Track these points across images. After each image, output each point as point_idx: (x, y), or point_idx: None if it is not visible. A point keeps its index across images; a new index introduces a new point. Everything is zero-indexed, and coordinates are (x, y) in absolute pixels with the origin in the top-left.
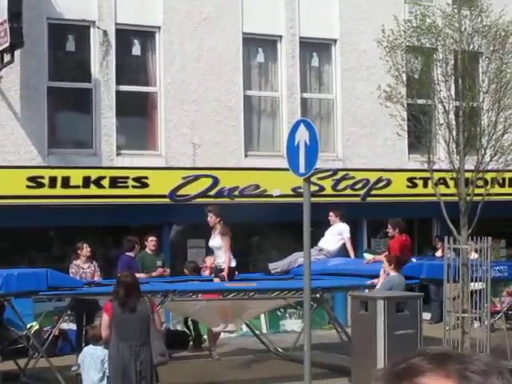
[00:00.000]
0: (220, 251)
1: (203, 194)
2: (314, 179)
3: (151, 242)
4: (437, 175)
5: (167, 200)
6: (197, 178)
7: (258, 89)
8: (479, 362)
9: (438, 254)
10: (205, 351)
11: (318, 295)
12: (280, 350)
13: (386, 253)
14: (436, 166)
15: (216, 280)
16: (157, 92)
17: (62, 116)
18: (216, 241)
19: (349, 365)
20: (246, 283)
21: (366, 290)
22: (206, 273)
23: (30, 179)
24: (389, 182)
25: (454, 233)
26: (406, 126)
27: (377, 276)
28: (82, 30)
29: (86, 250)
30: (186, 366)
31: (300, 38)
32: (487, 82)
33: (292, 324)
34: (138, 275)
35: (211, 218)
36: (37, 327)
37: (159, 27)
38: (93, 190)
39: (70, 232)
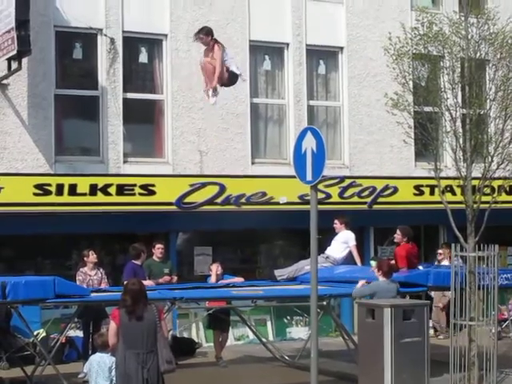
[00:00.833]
0: None
1: (210, 202)
2: (320, 187)
3: (158, 249)
4: (443, 183)
5: (174, 207)
6: (204, 185)
7: (264, 96)
8: None
9: (444, 262)
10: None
11: (324, 303)
12: (286, 358)
13: (393, 261)
14: (443, 174)
15: None
16: (164, 100)
17: (69, 123)
18: None
19: (355, 372)
20: (252, 290)
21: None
22: (212, 280)
23: (37, 187)
24: (395, 190)
25: (461, 240)
26: (412, 133)
27: None
28: (89, 38)
29: (92, 257)
30: (192, 373)
31: (307, 45)
32: (494, 90)
33: (298, 331)
34: (145, 282)
35: None
36: (44, 334)
37: (166, 35)
38: (100, 197)
39: (76, 239)
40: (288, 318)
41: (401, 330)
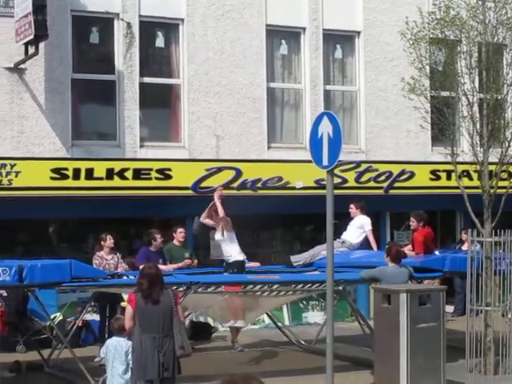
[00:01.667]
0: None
1: (226, 186)
2: (337, 171)
3: (180, 233)
4: (460, 168)
5: (190, 192)
6: (220, 169)
7: (281, 81)
8: None
9: (464, 247)
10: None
11: (340, 288)
12: (302, 343)
13: (410, 246)
14: (459, 159)
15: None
16: (180, 84)
17: (85, 108)
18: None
19: (371, 357)
20: (269, 275)
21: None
22: None
23: (54, 171)
24: (412, 175)
25: (478, 226)
26: (429, 118)
27: None
28: (105, 22)
29: (109, 241)
30: (208, 357)
31: (323, 29)
32: (511, 75)
33: (314, 316)
34: (160, 267)
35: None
36: (60, 318)
37: (183, 19)
38: (116, 181)
39: (93, 223)
40: (304, 302)
41: (417, 315)
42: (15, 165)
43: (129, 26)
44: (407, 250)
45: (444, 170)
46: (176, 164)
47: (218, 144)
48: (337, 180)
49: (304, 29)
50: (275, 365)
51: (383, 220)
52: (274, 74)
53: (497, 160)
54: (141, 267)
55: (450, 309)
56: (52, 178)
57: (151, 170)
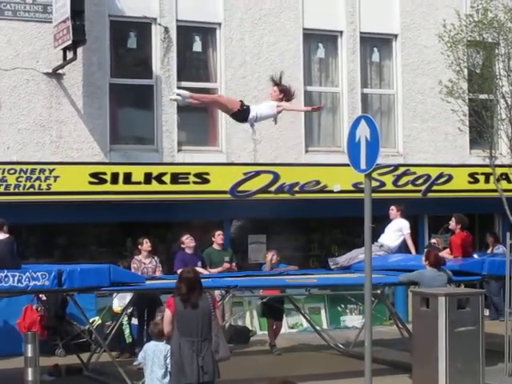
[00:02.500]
0: None
1: (264, 190)
2: (374, 175)
3: (218, 235)
4: (499, 170)
5: (228, 196)
6: (257, 173)
7: (318, 84)
8: None
9: (490, 250)
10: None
11: (378, 291)
12: (341, 346)
13: (448, 249)
14: (498, 162)
15: None
16: (217, 88)
17: (123, 112)
18: None
19: (409, 361)
20: (306, 278)
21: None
22: (267, 268)
23: (93, 175)
24: (450, 178)
25: None
26: (467, 121)
27: None
28: (143, 27)
29: (146, 245)
30: (247, 361)
31: (360, 33)
32: None
33: (353, 320)
34: (199, 270)
35: None
36: (99, 322)
37: (220, 23)
38: (154, 185)
39: (131, 227)
40: (342, 306)
41: (455, 319)
42: (54, 169)
43: (166, 30)
44: (445, 253)
45: (482, 173)
46: (214, 168)
47: (256, 148)
48: (374, 183)
49: (341, 32)
50: (313, 368)
51: (421, 223)
52: (311, 77)
53: None
54: (179, 271)
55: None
56: (90, 183)
57: (189, 174)
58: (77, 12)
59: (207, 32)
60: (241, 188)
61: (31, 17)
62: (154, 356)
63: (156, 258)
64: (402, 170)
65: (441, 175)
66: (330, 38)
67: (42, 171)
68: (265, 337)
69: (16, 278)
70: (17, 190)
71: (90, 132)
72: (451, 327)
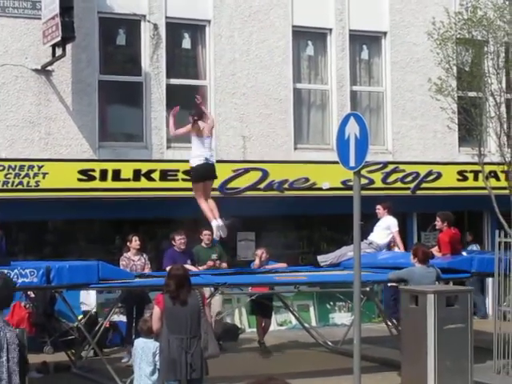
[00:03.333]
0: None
1: (253, 187)
2: (363, 172)
3: (205, 235)
4: (487, 168)
5: (217, 193)
6: (246, 171)
7: (307, 82)
8: None
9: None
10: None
11: (367, 288)
12: (329, 344)
13: (436, 247)
14: (487, 159)
15: None
16: (207, 85)
17: (112, 109)
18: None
19: (399, 359)
20: (295, 276)
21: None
22: (256, 265)
23: (81, 172)
24: (439, 175)
25: (505, 227)
26: (456, 118)
27: None
28: (132, 24)
29: (135, 242)
30: (235, 358)
31: (350, 30)
32: None
33: (341, 317)
34: (188, 267)
35: None
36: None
37: (209, 21)
38: (143, 182)
39: (120, 225)
40: (331, 303)
41: (444, 316)
42: (43, 166)
43: (155, 27)
44: (434, 251)
45: (471, 171)
46: None
47: (245, 145)
48: (363, 181)
49: (330, 30)
50: (302, 366)
51: (410, 221)
52: (300, 74)
53: None
54: (168, 268)
55: None
56: (79, 180)
57: (178, 171)
58: (66, 8)
59: (196, 29)
60: (230, 185)
61: (20, 13)
62: (143, 353)
63: (145, 255)
64: (391, 167)
65: (430, 173)
66: (319, 36)
67: (30, 168)
68: (253, 334)
69: None
70: (5, 187)
71: (79, 129)
72: (440, 325)
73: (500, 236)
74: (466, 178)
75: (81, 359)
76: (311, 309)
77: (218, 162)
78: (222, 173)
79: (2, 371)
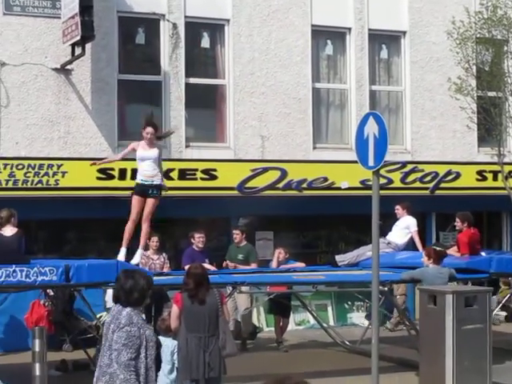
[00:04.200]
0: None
1: (271, 187)
2: (382, 172)
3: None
4: (507, 168)
5: (236, 192)
6: (265, 170)
7: (326, 81)
8: None
9: None
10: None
11: (386, 288)
12: (347, 343)
13: (455, 247)
14: (506, 159)
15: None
16: (225, 84)
17: (131, 108)
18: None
19: (417, 359)
20: (313, 275)
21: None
22: (274, 264)
23: (100, 171)
24: (458, 175)
25: None
26: (475, 118)
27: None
28: (151, 23)
29: (153, 243)
30: (253, 357)
31: (369, 30)
32: None
33: (359, 317)
34: (207, 266)
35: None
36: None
37: (228, 20)
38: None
39: (138, 223)
40: (349, 303)
41: (463, 317)
42: (62, 165)
43: (175, 26)
44: (453, 251)
45: (490, 171)
46: (221, 164)
47: (264, 144)
48: (382, 180)
49: (349, 29)
50: (320, 365)
51: (429, 221)
52: (319, 74)
53: None
54: (187, 267)
55: None
56: (98, 178)
57: (197, 170)
58: (85, 8)
59: (216, 28)
60: (248, 184)
61: (40, 12)
62: (162, 351)
63: (164, 254)
64: (409, 167)
65: (449, 173)
66: (338, 35)
67: (50, 167)
68: (271, 333)
69: (24, 273)
70: (25, 186)
71: (98, 128)
72: (458, 325)
73: None
74: (485, 178)
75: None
76: (329, 308)
77: (236, 161)
78: (241, 172)
79: (140, 367)
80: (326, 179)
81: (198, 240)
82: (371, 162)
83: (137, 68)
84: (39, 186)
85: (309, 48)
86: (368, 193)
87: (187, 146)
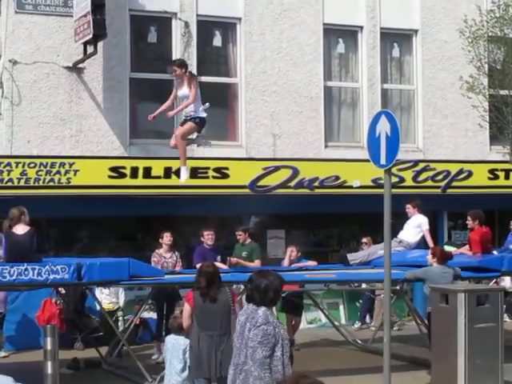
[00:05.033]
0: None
1: (283, 185)
2: (394, 170)
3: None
4: None
5: (247, 190)
6: (277, 168)
7: (338, 79)
8: None
9: None
10: None
11: (397, 287)
12: (359, 342)
13: (467, 246)
14: None
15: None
16: (237, 83)
17: (143, 106)
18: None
19: (428, 357)
20: (325, 273)
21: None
22: (286, 263)
23: (112, 169)
24: (470, 174)
25: None
26: (487, 116)
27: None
28: (163, 22)
29: (167, 238)
30: None
31: (381, 28)
32: None
33: (371, 316)
34: (218, 265)
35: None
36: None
37: (240, 18)
38: (174, 180)
39: (151, 222)
40: (360, 301)
41: (474, 316)
42: (74, 163)
43: (186, 25)
44: (464, 249)
45: (502, 170)
46: (233, 163)
47: (275, 143)
48: (394, 179)
49: (361, 27)
50: (331, 364)
51: (440, 219)
52: (331, 72)
53: None
54: (198, 265)
55: None
56: (110, 177)
57: (208, 168)
58: (97, 6)
59: (227, 27)
60: (260, 183)
61: (52, 11)
62: (174, 350)
63: (177, 252)
64: (421, 165)
65: (461, 171)
66: (350, 33)
67: (61, 165)
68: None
69: (36, 271)
70: (37, 184)
71: (110, 126)
72: (470, 323)
73: None
74: (497, 177)
75: (111, 356)
76: (341, 307)
77: (248, 159)
78: (253, 170)
79: (277, 364)
80: (337, 178)
81: (207, 237)
82: (383, 161)
83: (149, 66)
84: (51, 184)
85: (321, 46)
86: (380, 191)
87: (199, 145)
